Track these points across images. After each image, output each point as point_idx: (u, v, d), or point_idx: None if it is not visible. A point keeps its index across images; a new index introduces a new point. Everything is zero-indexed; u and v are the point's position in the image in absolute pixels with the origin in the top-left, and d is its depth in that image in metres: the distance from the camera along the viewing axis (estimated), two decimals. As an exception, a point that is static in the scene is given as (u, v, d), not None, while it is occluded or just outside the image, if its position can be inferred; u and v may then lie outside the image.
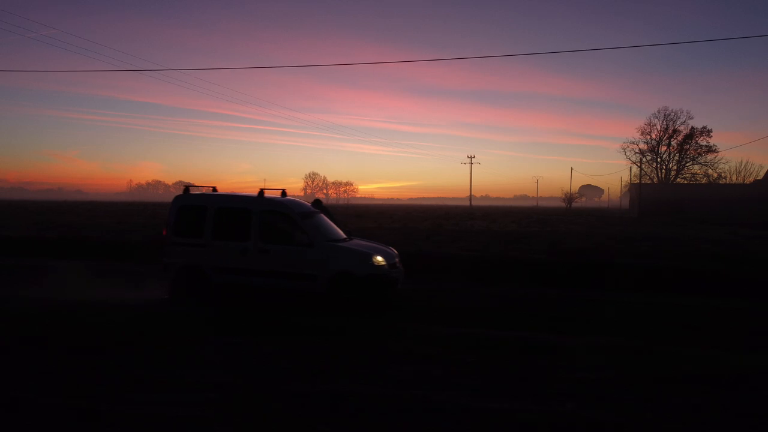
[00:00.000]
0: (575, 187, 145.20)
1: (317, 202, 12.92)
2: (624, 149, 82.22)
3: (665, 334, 8.54)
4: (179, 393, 5.35)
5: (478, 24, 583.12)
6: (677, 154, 79.43)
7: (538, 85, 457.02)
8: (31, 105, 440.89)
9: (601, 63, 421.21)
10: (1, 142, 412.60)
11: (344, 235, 11.33)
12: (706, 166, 77.25)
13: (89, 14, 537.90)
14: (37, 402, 5.04)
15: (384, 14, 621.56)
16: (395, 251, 11.13)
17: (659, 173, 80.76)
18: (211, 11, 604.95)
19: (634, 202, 70.16)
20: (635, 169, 78.54)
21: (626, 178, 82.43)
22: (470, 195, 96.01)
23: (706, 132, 76.71)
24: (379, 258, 10.13)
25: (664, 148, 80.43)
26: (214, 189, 11.79)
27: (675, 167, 79.79)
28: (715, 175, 76.56)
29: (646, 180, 79.72)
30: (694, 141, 77.53)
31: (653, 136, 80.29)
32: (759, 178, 73.52)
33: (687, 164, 79.09)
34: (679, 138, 78.55)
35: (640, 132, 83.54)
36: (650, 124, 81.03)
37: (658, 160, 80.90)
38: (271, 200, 10.85)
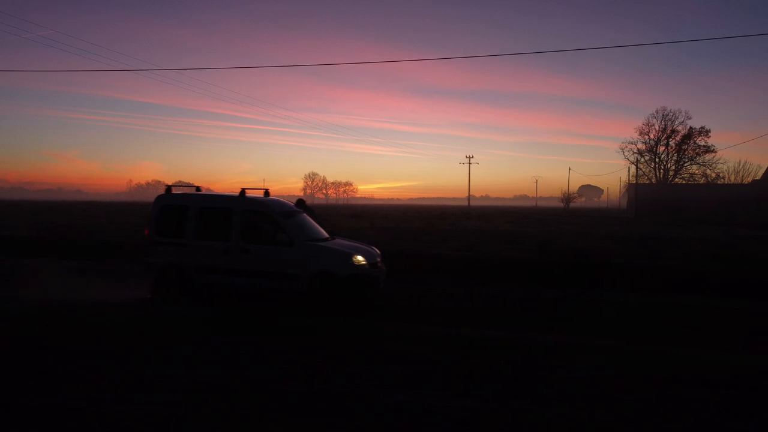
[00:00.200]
0: (575, 188, 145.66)
1: (300, 202, 12.93)
2: (622, 149, 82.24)
3: (660, 334, 8.53)
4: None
5: (478, 24, 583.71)
6: (675, 155, 79.58)
7: (537, 85, 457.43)
8: (31, 105, 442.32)
9: (601, 63, 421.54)
10: (1, 142, 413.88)
11: (326, 235, 11.32)
12: (705, 166, 77.40)
13: (89, 14, 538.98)
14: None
15: (384, 14, 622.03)
16: (377, 251, 11.11)
17: (657, 173, 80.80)
18: (211, 11, 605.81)
19: (632, 202, 70.17)
20: (633, 170, 78.65)
21: (625, 178, 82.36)
22: (468, 195, 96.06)
23: (705, 132, 76.83)
24: (360, 257, 10.11)
25: (662, 149, 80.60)
26: (198, 189, 11.78)
27: (673, 167, 79.89)
28: (714, 175, 76.73)
29: (644, 180, 79.80)
30: (692, 141, 77.66)
31: (651, 137, 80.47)
32: (757, 178, 73.51)
33: (685, 164, 79.20)
34: (678, 138, 78.70)
35: (638, 132, 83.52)
36: (648, 125, 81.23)
37: (657, 160, 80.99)
38: (252, 200, 10.84)
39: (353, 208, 77.04)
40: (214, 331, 8.00)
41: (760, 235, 29.19)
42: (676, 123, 78.85)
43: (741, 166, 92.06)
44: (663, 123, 79.51)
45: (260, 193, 11.36)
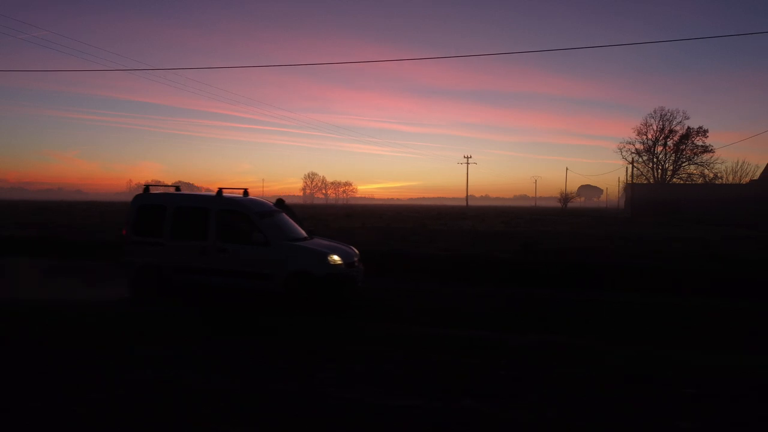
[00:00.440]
0: (575, 188, 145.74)
1: (279, 202, 12.97)
2: (620, 149, 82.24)
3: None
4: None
5: (478, 24, 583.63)
6: (673, 155, 79.51)
7: (537, 85, 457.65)
8: (31, 105, 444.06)
9: (601, 63, 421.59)
10: (1, 142, 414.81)
11: (305, 235, 11.30)
12: (702, 166, 77.43)
13: (89, 14, 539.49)
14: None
15: (384, 14, 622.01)
16: (355, 251, 11.11)
17: (655, 173, 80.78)
18: (211, 11, 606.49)
19: (629, 202, 70.18)
20: (631, 170, 78.60)
21: (623, 178, 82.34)
22: (467, 195, 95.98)
23: (702, 132, 76.82)
24: (336, 257, 10.09)
25: (660, 149, 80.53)
26: (178, 188, 11.79)
27: (671, 167, 79.86)
28: (711, 175, 76.75)
29: (642, 180, 79.74)
30: (690, 141, 77.65)
31: (649, 137, 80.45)
32: (755, 178, 73.45)
33: (683, 164, 79.19)
34: (675, 138, 78.72)
35: (636, 132, 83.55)
36: (646, 125, 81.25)
37: (654, 160, 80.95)
38: (229, 199, 10.83)
39: (351, 208, 77.25)
40: (191, 332, 7.93)
41: (757, 236, 29.22)
42: (674, 123, 78.96)
43: (739, 166, 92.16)
44: (661, 123, 79.60)
45: (239, 193, 11.36)
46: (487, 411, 4.92)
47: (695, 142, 77.56)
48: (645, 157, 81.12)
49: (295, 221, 11.87)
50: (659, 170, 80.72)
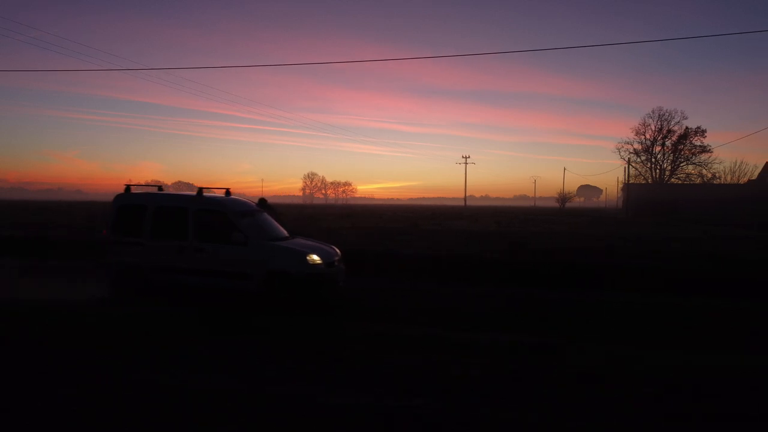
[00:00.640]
0: (574, 188, 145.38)
1: (262, 201, 13.05)
2: (618, 149, 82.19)
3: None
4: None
5: (478, 24, 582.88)
6: (671, 155, 79.46)
7: (537, 85, 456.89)
8: (31, 105, 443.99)
9: (600, 63, 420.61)
10: (1, 142, 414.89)
11: (286, 234, 11.36)
12: (700, 166, 77.36)
13: (89, 14, 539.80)
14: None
15: (384, 14, 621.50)
16: (337, 250, 11.15)
17: (653, 173, 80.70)
18: (211, 11, 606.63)
19: (626, 202, 70.14)
20: (630, 169, 78.54)
21: (622, 178, 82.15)
22: (465, 195, 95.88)
23: (701, 132, 76.80)
24: (315, 257, 10.14)
25: (658, 149, 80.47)
26: (160, 188, 11.87)
27: (669, 167, 79.78)
28: (709, 175, 76.65)
29: (640, 180, 79.70)
30: (688, 141, 77.58)
31: (647, 137, 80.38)
32: (753, 178, 73.35)
33: (681, 164, 79.12)
34: (674, 138, 78.67)
35: (634, 132, 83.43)
36: (644, 125, 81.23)
37: (653, 160, 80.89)
38: (209, 199, 10.90)
39: (350, 208, 77.12)
40: (169, 332, 7.97)
41: (756, 236, 29.27)
42: (672, 123, 78.93)
43: (737, 166, 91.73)
44: (659, 123, 79.56)
45: (221, 193, 11.44)
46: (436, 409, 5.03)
47: (693, 142, 77.65)
48: (643, 157, 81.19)
49: (276, 221, 11.93)
50: (657, 170, 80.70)
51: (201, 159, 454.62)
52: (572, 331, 8.47)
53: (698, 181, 75.85)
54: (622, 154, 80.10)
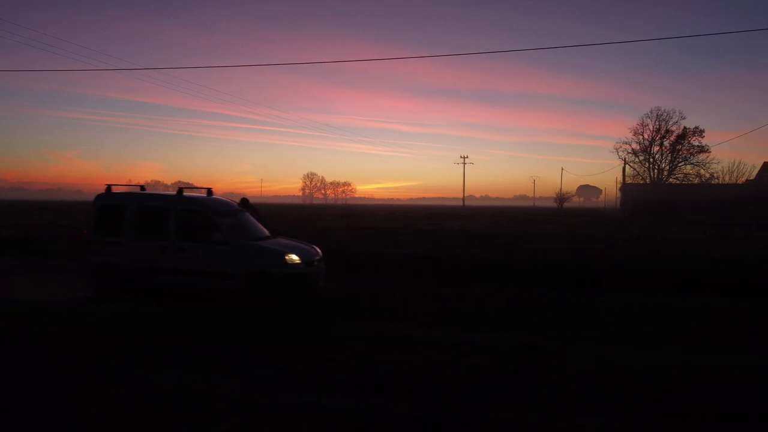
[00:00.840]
0: (574, 188, 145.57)
1: (244, 201, 13.10)
2: (617, 149, 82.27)
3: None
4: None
5: (478, 24, 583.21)
6: (670, 155, 79.54)
7: (537, 84, 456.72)
8: (31, 105, 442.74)
9: (601, 62, 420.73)
10: (1, 142, 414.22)
11: (267, 234, 11.38)
12: (698, 166, 77.39)
13: (89, 14, 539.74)
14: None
15: (384, 14, 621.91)
16: (317, 250, 11.18)
17: (651, 173, 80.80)
18: (211, 11, 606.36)
19: (624, 202, 70.21)
20: (627, 169, 78.62)
21: (620, 178, 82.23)
22: (463, 195, 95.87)
23: (699, 132, 76.86)
24: (294, 256, 10.15)
25: (656, 149, 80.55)
26: (143, 188, 11.85)
27: (667, 167, 79.84)
28: (707, 175, 76.73)
29: (638, 180, 79.79)
30: (686, 141, 77.67)
31: (646, 137, 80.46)
32: (751, 178, 73.47)
33: (679, 164, 79.17)
34: (672, 138, 78.73)
35: (632, 132, 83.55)
36: (643, 125, 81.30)
37: (651, 160, 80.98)
38: (190, 199, 10.94)
39: (349, 209, 77.15)
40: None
41: (755, 236, 29.42)
42: (671, 123, 79.00)
43: (735, 167, 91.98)
44: (657, 123, 79.65)
45: (203, 193, 11.49)
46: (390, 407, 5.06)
47: (691, 142, 77.72)
48: (641, 157, 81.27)
49: (258, 220, 11.98)
50: (655, 170, 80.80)
51: (201, 159, 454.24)
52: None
53: (696, 181, 75.96)
54: (620, 154, 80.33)
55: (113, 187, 11.33)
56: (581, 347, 7.50)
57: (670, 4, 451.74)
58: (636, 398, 5.43)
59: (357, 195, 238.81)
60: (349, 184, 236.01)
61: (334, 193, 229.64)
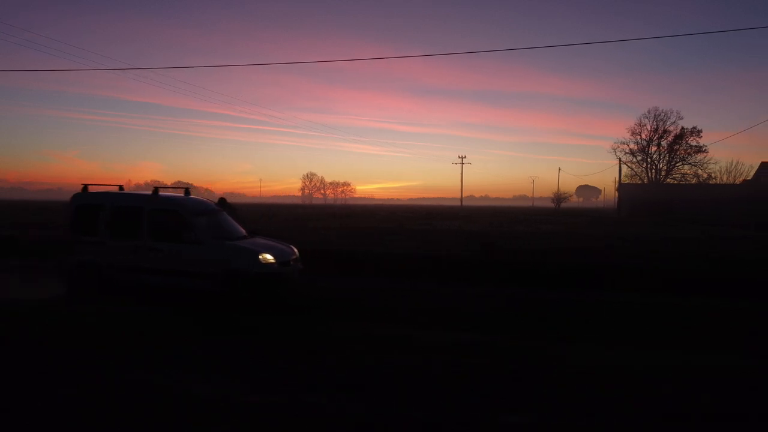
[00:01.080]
0: (573, 188, 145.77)
1: (222, 201, 13.16)
2: (614, 149, 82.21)
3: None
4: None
5: (478, 24, 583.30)
6: (667, 155, 79.56)
7: (537, 84, 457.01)
8: (31, 105, 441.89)
9: (601, 62, 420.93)
10: (1, 142, 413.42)
11: (244, 234, 11.43)
12: (696, 166, 77.41)
13: (89, 14, 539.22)
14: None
15: (384, 14, 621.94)
16: (294, 249, 11.22)
17: (649, 173, 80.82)
18: (211, 11, 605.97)
19: (622, 202, 70.27)
20: (624, 169, 78.69)
21: (617, 178, 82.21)
22: (461, 195, 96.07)
23: (696, 132, 76.92)
24: (268, 256, 10.19)
25: (654, 149, 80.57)
26: (121, 188, 11.86)
27: (665, 167, 79.89)
28: (705, 175, 76.76)
29: (636, 180, 79.84)
30: (684, 141, 77.73)
31: (643, 137, 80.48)
32: (748, 178, 73.55)
33: (677, 164, 79.21)
34: (669, 138, 78.75)
35: (630, 132, 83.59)
36: (640, 125, 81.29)
37: (648, 160, 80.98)
38: (164, 199, 11.00)
39: (348, 209, 77.27)
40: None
41: (753, 236, 29.42)
42: (668, 123, 79.04)
43: (733, 167, 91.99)
44: (655, 123, 79.70)
45: (181, 193, 11.53)
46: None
47: (689, 142, 77.78)
48: (639, 157, 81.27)
49: (236, 220, 12.05)
50: (653, 170, 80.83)
51: (201, 159, 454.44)
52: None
53: (694, 181, 76.00)
54: (618, 154, 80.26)
55: (90, 186, 11.39)
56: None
57: (670, 4, 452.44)
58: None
59: (357, 195, 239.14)
60: (349, 185, 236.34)
61: (334, 194, 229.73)
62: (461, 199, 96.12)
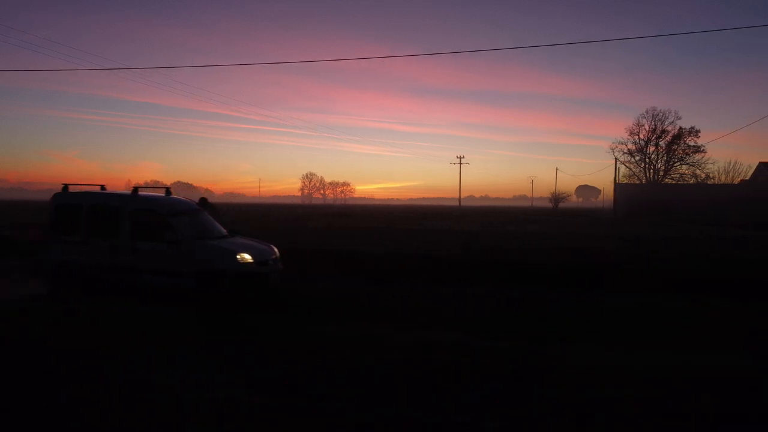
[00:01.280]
0: (573, 188, 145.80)
1: (203, 201, 13.18)
2: (612, 149, 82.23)
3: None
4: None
5: (478, 24, 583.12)
6: (665, 155, 79.67)
7: (536, 84, 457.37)
8: (31, 105, 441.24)
9: (600, 62, 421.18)
10: (1, 142, 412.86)
11: (225, 233, 11.47)
12: (694, 166, 77.53)
13: (89, 14, 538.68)
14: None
15: (384, 14, 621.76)
16: (274, 249, 11.25)
17: (647, 173, 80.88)
18: (211, 11, 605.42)
19: (618, 202, 70.35)
20: (623, 169, 78.76)
21: (617, 178, 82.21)
22: (459, 195, 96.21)
23: (694, 132, 77.01)
24: (246, 255, 10.23)
25: (652, 149, 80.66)
26: (103, 187, 11.81)
27: (663, 167, 79.96)
28: (703, 175, 76.91)
29: (634, 180, 79.90)
30: (682, 141, 77.82)
31: (641, 137, 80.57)
32: (746, 178, 73.63)
33: (675, 164, 79.29)
34: (667, 138, 78.86)
35: (628, 132, 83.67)
36: (638, 125, 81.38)
37: (647, 160, 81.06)
38: (144, 198, 11.04)
39: (347, 209, 77.32)
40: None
41: (752, 236, 29.44)
42: (666, 123, 79.15)
43: (731, 167, 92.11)
44: (653, 123, 79.80)
45: (161, 192, 11.57)
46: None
47: (687, 142, 77.87)
48: (637, 157, 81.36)
49: (217, 220, 12.09)
50: (651, 170, 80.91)
51: (201, 159, 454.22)
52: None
53: (692, 181, 76.09)
54: (616, 154, 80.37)
55: (70, 186, 11.41)
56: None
57: (669, 3, 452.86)
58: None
59: (356, 195, 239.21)
60: (348, 185, 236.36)
61: (333, 194, 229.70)
62: (459, 199, 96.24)
